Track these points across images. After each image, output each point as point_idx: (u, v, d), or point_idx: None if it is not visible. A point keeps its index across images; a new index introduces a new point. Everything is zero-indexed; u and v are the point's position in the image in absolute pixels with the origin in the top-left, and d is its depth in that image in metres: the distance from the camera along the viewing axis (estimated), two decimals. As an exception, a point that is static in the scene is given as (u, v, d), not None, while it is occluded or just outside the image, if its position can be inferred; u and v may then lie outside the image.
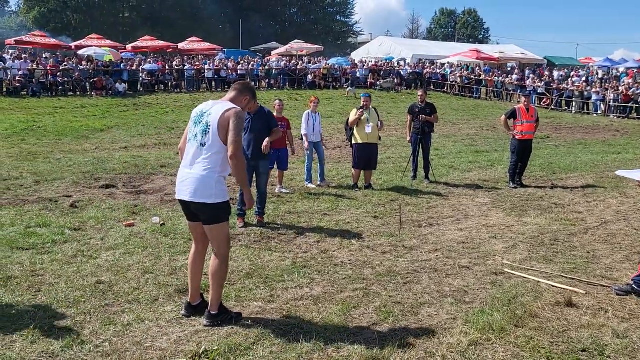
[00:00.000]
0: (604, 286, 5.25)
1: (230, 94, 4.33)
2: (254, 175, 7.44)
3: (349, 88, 28.70)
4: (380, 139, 10.22)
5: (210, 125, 4.06)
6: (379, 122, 9.89)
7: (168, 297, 4.77)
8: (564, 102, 29.03)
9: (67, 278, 5.15)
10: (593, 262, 6.01)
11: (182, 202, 4.25)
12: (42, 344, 3.84)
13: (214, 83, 28.91)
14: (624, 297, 4.96)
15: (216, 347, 3.83)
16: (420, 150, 10.69)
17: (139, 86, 27.10)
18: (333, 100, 26.60)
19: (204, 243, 4.36)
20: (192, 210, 4.21)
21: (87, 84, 25.60)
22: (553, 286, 5.21)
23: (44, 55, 29.37)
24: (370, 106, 9.84)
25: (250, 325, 4.24)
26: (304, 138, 10.02)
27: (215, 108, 4.13)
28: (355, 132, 9.80)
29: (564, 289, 5.12)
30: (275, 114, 8.97)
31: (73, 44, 35.31)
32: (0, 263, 5.52)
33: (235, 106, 4.15)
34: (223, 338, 4.00)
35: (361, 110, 9.67)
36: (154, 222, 7.30)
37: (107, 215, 7.69)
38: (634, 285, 4.97)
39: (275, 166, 9.31)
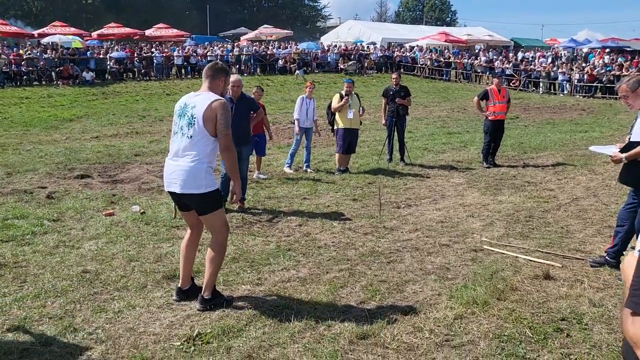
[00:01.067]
0: (578, 259, 5.47)
1: (206, 82, 4.27)
2: None
3: (298, 72, 29.03)
4: (361, 123, 10.34)
5: (195, 118, 4.05)
6: (361, 108, 9.99)
7: (156, 283, 4.80)
8: (531, 83, 29.55)
9: (51, 268, 5.13)
10: (567, 237, 6.23)
11: (172, 193, 4.27)
12: (34, 333, 3.85)
13: (183, 70, 28.56)
14: (598, 268, 5.18)
15: (209, 330, 3.90)
16: (395, 132, 10.83)
17: (106, 74, 26.58)
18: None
19: (198, 230, 4.40)
20: (184, 202, 4.23)
21: (53, 73, 25.00)
22: (531, 261, 5.40)
23: (5, 44, 28.52)
24: (353, 92, 9.92)
25: (241, 307, 4.31)
26: (295, 123, 10.04)
27: (199, 100, 4.11)
28: (337, 117, 9.88)
29: (541, 263, 5.32)
30: None
31: (36, 32, 34.32)
32: (-19, 256, 5.45)
33: (219, 97, 4.14)
34: (215, 321, 4.07)
35: (347, 97, 9.74)
36: (134, 211, 7.27)
37: (85, 205, 7.62)
38: (607, 257, 5.19)
39: (254, 152, 9.32)
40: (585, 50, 37.85)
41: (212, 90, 4.22)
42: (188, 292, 4.41)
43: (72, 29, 34.01)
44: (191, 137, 4.08)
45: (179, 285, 4.45)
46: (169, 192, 4.30)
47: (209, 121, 4.03)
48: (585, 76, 26.85)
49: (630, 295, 1.79)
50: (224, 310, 4.22)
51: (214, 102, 4.06)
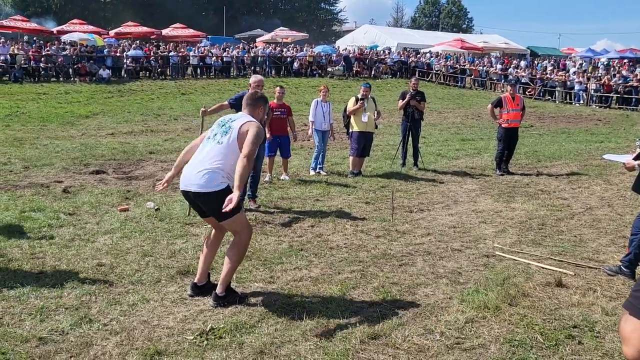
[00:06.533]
0: (591, 267, 5.45)
1: (246, 109, 4.48)
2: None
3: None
4: (377, 127, 10.36)
5: (232, 129, 4.22)
6: (376, 112, 10.02)
7: (170, 278, 4.85)
8: (546, 92, 29.38)
9: (67, 261, 5.21)
10: (580, 246, 6.21)
11: (187, 197, 4.33)
12: (51, 322, 3.92)
13: (199, 70, 28.76)
14: (612, 277, 5.16)
15: (222, 325, 3.94)
16: (410, 138, 10.84)
17: (122, 72, 26.82)
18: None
19: (222, 229, 4.44)
20: (199, 206, 4.29)
21: (71, 69, 25.28)
22: (543, 268, 5.39)
23: (25, 39, 28.88)
24: (369, 95, 9.95)
25: (253, 304, 4.35)
26: (310, 125, 10.11)
27: (240, 118, 4.33)
28: (352, 120, 9.94)
29: (554, 270, 5.31)
30: (275, 100, 9.17)
31: (55, 29, 34.73)
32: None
33: (256, 121, 4.33)
34: (228, 317, 4.11)
35: (362, 101, 9.78)
36: (148, 207, 7.34)
37: (101, 200, 7.71)
38: (621, 266, 5.17)
39: (278, 154, 9.35)
40: (602, 59, 37.57)
41: (252, 117, 4.41)
42: (203, 288, 4.46)
43: (90, 27, 34.35)
44: (222, 143, 4.18)
45: (195, 281, 4.50)
46: (183, 192, 4.30)
47: (242, 136, 4.16)
48: (602, 86, 26.65)
49: (630, 297, 1.85)
50: (236, 307, 4.27)
51: (250, 122, 4.27)
